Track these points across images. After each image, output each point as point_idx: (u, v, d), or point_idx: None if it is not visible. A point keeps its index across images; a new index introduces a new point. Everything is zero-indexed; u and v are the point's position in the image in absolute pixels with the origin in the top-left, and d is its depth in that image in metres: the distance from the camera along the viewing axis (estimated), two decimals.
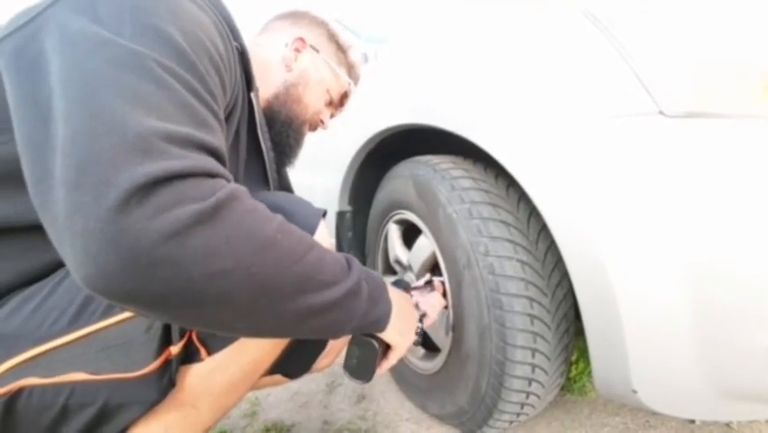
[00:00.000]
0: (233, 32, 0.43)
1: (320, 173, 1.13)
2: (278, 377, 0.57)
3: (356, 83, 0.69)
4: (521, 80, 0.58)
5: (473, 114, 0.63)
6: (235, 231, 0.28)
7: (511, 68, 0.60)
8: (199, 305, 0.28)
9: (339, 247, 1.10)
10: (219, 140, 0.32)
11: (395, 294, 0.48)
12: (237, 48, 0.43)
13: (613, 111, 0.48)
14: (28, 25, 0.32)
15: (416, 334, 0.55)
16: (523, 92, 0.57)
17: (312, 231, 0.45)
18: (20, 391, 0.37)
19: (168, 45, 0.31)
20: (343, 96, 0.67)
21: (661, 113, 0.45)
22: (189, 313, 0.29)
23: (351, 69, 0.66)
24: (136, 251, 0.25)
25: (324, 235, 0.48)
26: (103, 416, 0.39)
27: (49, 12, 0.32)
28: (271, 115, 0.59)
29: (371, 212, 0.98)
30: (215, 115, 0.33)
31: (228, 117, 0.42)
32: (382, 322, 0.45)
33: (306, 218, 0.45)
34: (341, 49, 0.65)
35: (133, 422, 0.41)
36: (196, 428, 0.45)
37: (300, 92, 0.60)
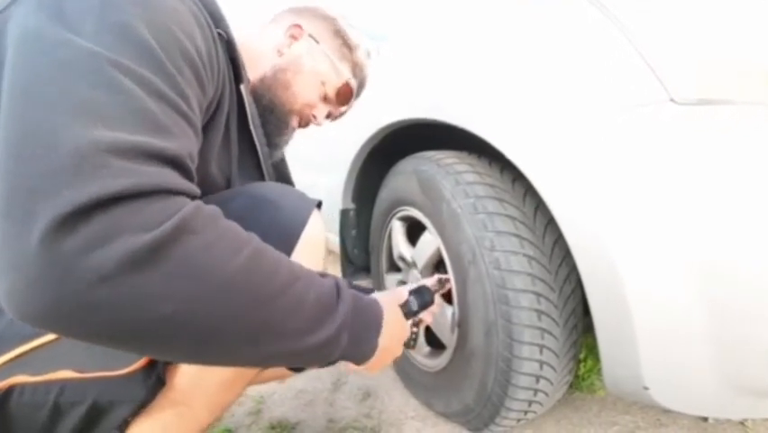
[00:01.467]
0: (216, 19, 0.40)
1: (323, 171, 1.13)
2: (281, 370, 0.55)
3: (362, 84, 0.65)
4: (527, 72, 0.57)
5: (478, 107, 0.62)
6: (181, 271, 0.24)
7: (517, 59, 0.59)
8: (139, 345, 0.26)
9: (343, 245, 1.10)
10: (183, 145, 0.29)
11: (386, 310, 0.44)
12: (221, 35, 0.41)
13: (623, 100, 0.47)
14: None
15: (407, 343, 0.53)
16: (529, 84, 0.56)
17: (302, 224, 0.43)
18: (11, 389, 0.37)
19: (132, 43, 0.28)
20: (343, 94, 0.62)
21: (672, 100, 0.44)
22: (132, 348, 0.27)
23: (355, 67, 0.63)
24: (62, 293, 0.22)
25: (319, 228, 0.46)
26: (94, 414, 0.39)
27: (16, 6, 0.30)
28: (255, 100, 0.54)
29: (375, 209, 0.98)
30: (185, 116, 0.30)
31: (215, 113, 0.40)
32: (362, 360, 0.41)
33: (295, 211, 0.43)
34: (347, 45, 0.61)
35: (127, 421, 0.41)
36: (194, 426, 0.44)
37: (289, 78, 0.56)
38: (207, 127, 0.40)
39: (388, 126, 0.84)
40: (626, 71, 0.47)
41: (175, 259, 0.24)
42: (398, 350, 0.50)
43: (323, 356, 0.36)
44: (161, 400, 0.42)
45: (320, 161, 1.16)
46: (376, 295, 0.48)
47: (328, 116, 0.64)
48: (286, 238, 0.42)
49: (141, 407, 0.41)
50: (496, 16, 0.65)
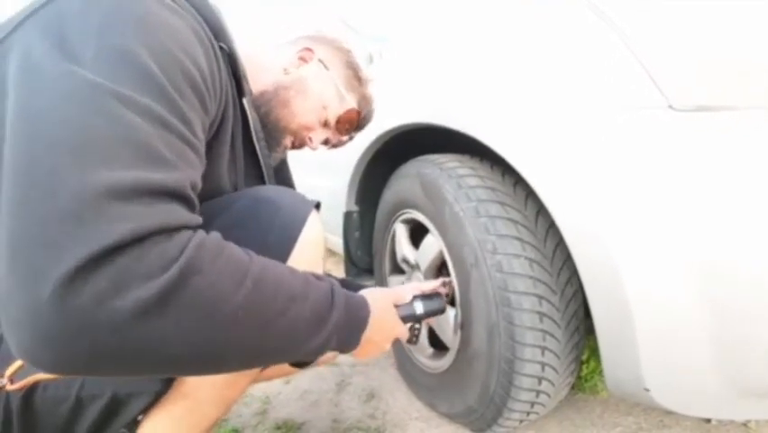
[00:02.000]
0: (218, 33, 0.40)
1: (327, 174, 1.14)
2: (285, 367, 0.55)
3: (367, 117, 0.64)
4: (527, 77, 0.58)
5: (479, 112, 0.63)
6: (189, 314, 0.26)
7: (517, 64, 0.60)
8: (150, 374, 0.30)
9: (346, 248, 1.11)
10: (184, 175, 0.29)
11: (374, 308, 0.45)
12: (223, 48, 0.41)
13: (621, 106, 0.48)
14: (1, 45, 0.30)
15: (409, 340, 0.55)
16: (529, 89, 0.57)
17: (300, 224, 0.44)
18: (35, 385, 0.39)
19: (132, 70, 0.28)
20: (345, 121, 0.61)
21: (670, 107, 0.44)
22: (143, 376, 0.30)
23: (362, 100, 0.62)
24: (77, 346, 0.23)
25: (317, 228, 0.47)
26: (113, 407, 0.41)
27: (19, 31, 0.30)
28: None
29: (378, 212, 0.99)
30: (188, 142, 0.30)
31: (219, 128, 0.41)
32: (345, 351, 0.43)
33: (294, 212, 0.44)
34: (357, 78, 0.61)
35: (142, 413, 0.43)
36: (203, 421, 0.46)
37: (290, 96, 0.56)
38: (213, 143, 0.41)
39: (391, 130, 0.85)
40: (624, 78, 0.48)
41: (182, 304, 0.25)
42: (386, 345, 0.52)
43: (312, 356, 0.38)
44: (173, 394, 0.43)
45: (324, 164, 1.17)
46: (367, 292, 0.48)
47: (326, 143, 0.63)
48: (285, 238, 0.43)
49: (156, 399, 0.42)
50: (497, 22, 0.66)
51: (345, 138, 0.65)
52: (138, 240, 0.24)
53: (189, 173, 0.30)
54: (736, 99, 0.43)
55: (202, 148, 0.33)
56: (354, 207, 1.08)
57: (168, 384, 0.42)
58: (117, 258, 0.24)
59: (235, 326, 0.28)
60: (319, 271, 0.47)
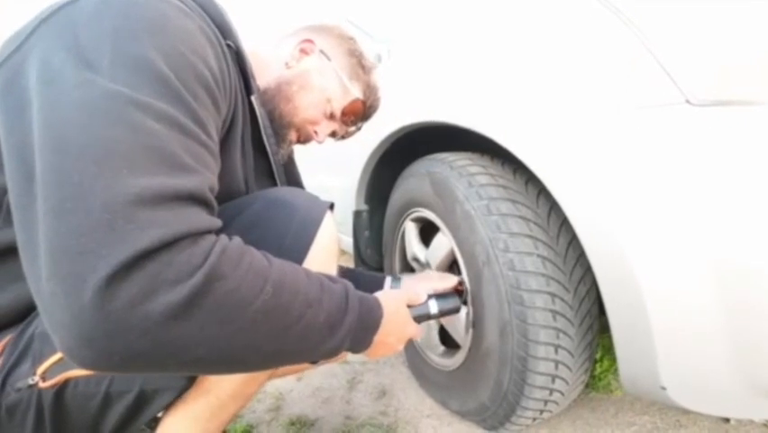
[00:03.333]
0: (225, 31, 0.41)
1: (336, 173, 1.15)
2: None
3: (373, 106, 0.63)
4: (538, 74, 0.57)
5: (490, 110, 0.63)
6: (213, 318, 0.27)
7: (528, 61, 0.59)
8: (175, 372, 0.33)
9: (356, 247, 1.11)
10: (204, 179, 0.30)
11: (387, 310, 0.46)
12: (230, 46, 0.41)
13: (637, 102, 0.47)
14: (15, 54, 0.31)
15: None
16: (541, 86, 0.57)
17: (316, 226, 0.45)
18: (66, 382, 0.41)
19: (148, 76, 0.29)
20: (350, 113, 0.60)
21: (687, 102, 0.44)
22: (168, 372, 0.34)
23: (367, 89, 0.61)
24: (114, 346, 0.25)
25: (332, 229, 0.47)
26: (140, 402, 0.42)
27: (34, 39, 0.31)
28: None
29: (388, 211, 0.99)
30: (204, 145, 0.31)
31: (230, 127, 0.41)
32: (356, 352, 0.44)
33: (311, 212, 0.45)
34: (361, 65, 0.60)
35: (167, 409, 0.44)
36: (221, 415, 0.47)
37: (293, 91, 0.55)
38: (225, 142, 0.42)
39: (401, 129, 0.85)
40: (639, 73, 0.47)
41: (207, 308, 0.27)
42: (398, 346, 0.52)
43: (327, 356, 0.39)
44: (193, 390, 0.44)
45: (333, 163, 1.18)
46: (381, 294, 0.49)
47: (333, 135, 0.63)
48: (301, 240, 0.44)
49: (181, 393, 0.44)
50: (507, 18, 0.66)
51: (352, 129, 0.64)
52: (166, 245, 0.26)
53: (208, 176, 0.31)
54: (755, 94, 0.42)
55: (217, 149, 0.34)
56: (364, 206, 1.08)
57: (191, 380, 0.44)
58: (148, 264, 0.25)
59: (255, 329, 0.30)
60: (333, 271, 0.48)
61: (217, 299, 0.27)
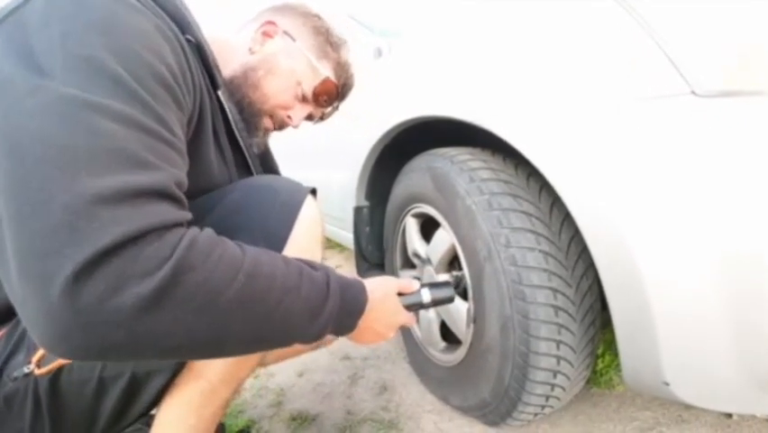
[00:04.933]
0: (184, 26, 0.40)
1: (336, 169, 1.15)
2: (296, 346, 0.56)
3: (347, 84, 0.61)
4: (542, 65, 0.56)
5: (491, 103, 0.62)
6: (185, 308, 0.27)
7: (531, 53, 0.58)
8: (158, 359, 0.33)
9: (357, 243, 1.11)
10: (168, 174, 0.30)
11: (373, 296, 0.45)
12: (191, 41, 0.40)
13: (641, 93, 0.46)
14: None
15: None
16: (544, 78, 0.56)
17: (297, 208, 0.45)
18: (61, 368, 0.41)
19: (101, 77, 0.29)
20: (322, 93, 0.57)
21: (693, 93, 0.43)
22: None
23: (338, 67, 0.58)
24: (87, 340, 0.26)
25: (313, 213, 0.47)
26: (135, 386, 0.43)
27: None
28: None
29: (389, 206, 0.99)
30: (166, 142, 0.31)
31: (198, 123, 0.41)
32: (340, 335, 0.43)
33: (291, 197, 0.45)
34: (329, 43, 0.57)
35: (161, 398, 0.45)
36: (214, 400, 0.47)
37: (259, 77, 0.52)
38: (195, 138, 0.41)
39: (401, 124, 0.84)
40: (643, 63, 0.46)
41: (179, 299, 0.27)
42: (388, 333, 0.51)
43: (310, 341, 0.39)
44: (185, 375, 0.45)
45: (333, 159, 1.17)
46: (369, 281, 0.48)
47: (310, 118, 0.60)
48: (282, 223, 0.44)
49: (173, 376, 0.44)
50: (509, 12, 0.65)
51: (329, 110, 0.61)
52: (131, 240, 0.26)
53: (173, 172, 0.30)
54: (763, 84, 0.42)
55: (182, 145, 0.34)
56: (364, 202, 1.08)
57: (183, 362, 0.44)
58: (113, 259, 0.25)
59: (231, 317, 0.30)
60: (318, 255, 0.47)
61: (188, 289, 0.27)
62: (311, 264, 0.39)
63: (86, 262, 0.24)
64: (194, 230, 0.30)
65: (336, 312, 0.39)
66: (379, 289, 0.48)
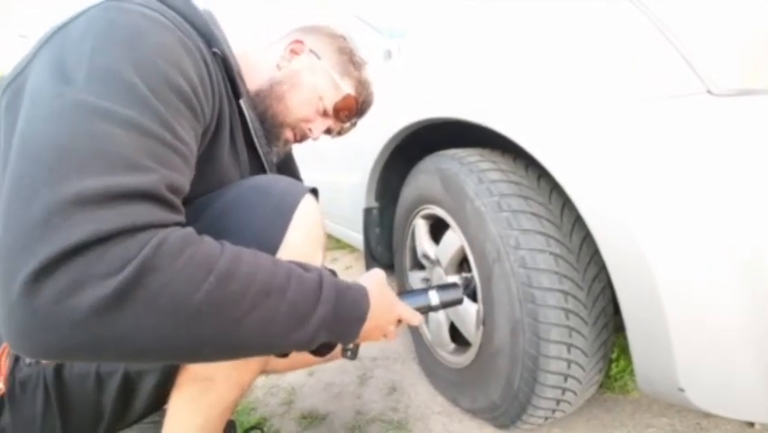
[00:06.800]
0: (212, 40, 0.42)
1: (346, 171, 1.16)
2: (307, 357, 0.49)
3: (367, 101, 0.64)
4: (553, 65, 0.56)
5: (501, 104, 0.62)
6: (148, 310, 0.26)
7: (542, 52, 0.58)
8: (133, 362, 0.30)
9: (367, 244, 1.12)
10: (161, 177, 0.29)
11: (375, 300, 0.43)
12: (216, 53, 0.42)
13: (654, 92, 0.45)
14: (19, 77, 0.33)
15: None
16: (555, 77, 0.55)
17: (291, 208, 0.43)
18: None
19: (117, 85, 0.30)
20: (343, 108, 0.60)
21: (708, 92, 0.42)
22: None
23: (359, 85, 0.61)
24: (47, 339, 0.25)
25: (312, 213, 0.45)
26: (129, 383, 0.44)
27: (34, 61, 0.33)
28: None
29: (398, 208, 0.99)
30: (170, 146, 0.31)
31: (217, 130, 0.42)
32: (345, 343, 0.41)
33: (286, 196, 0.44)
34: (352, 62, 0.60)
35: (161, 391, 0.45)
36: (218, 401, 0.46)
37: (284, 91, 0.56)
38: (213, 145, 0.42)
39: (410, 125, 0.85)
40: (657, 62, 0.45)
41: (142, 301, 0.26)
42: (387, 328, 0.49)
43: (298, 350, 0.37)
44: (185, 374, 0.45)
45: (343, 161, 1.18)
46: (364, 278, 0.47)
47: (328, 132, 0.63)
48: (275, 224, 0.43)
49: (167, 377, 0.44)
50: (518, 11, 0.64)
51: (347, 125, 0.64)
52: (100, 241, 0.25)
53: (167, 175, 0.30)
54: None
55: (188, 151, 0.34)
56: (374, 204, 1.08)
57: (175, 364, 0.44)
58: (76, 258, 0.25)
59: (200, 321, 0.29)
60: (317, 257, 0.45)
61: (151, 291, 0.26)
62: (304, 267, 0.37)
63: (49, 260, 0.24)
64: (169, 230, 0.29)
65: (330, 318, 0.37)
66: (376, 285, 0.46)
